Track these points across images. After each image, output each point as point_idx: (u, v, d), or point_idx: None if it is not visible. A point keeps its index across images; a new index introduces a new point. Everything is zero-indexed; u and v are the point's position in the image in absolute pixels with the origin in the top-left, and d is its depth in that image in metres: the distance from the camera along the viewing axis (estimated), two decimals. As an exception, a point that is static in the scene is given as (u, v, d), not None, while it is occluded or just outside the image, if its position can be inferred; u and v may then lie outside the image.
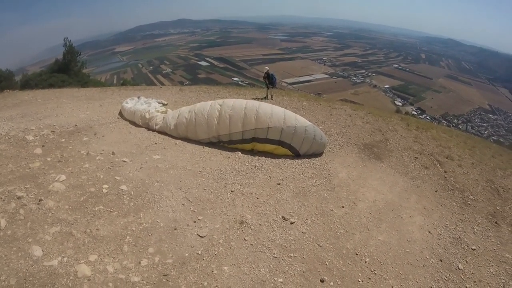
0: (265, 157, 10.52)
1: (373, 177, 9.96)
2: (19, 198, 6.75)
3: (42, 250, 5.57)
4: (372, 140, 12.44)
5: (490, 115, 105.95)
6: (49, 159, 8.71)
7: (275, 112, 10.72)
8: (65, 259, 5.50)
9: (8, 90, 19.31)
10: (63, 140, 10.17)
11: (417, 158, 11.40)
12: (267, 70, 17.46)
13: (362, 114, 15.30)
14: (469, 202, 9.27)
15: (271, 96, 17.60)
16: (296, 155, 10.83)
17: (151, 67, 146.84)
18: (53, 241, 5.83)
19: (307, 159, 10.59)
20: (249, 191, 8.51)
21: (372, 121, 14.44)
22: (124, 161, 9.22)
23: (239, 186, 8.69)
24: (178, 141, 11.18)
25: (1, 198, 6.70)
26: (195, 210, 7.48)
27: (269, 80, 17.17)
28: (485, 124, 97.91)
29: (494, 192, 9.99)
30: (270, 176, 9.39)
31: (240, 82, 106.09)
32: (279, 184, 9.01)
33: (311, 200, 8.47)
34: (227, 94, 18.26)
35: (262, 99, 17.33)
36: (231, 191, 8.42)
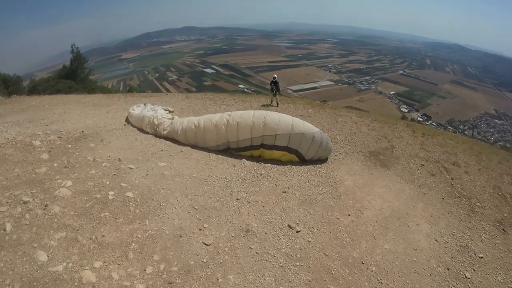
0: (271, 164, 10.49)
1: (379, 185, 9.91)
2: (25, 203, 6.77)
3: (47, 256, 5.56)
4: (378, 147, 12.39)
5: (496, 120, 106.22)
6: (55, 164, 8.72)
7: (283, 120, 10.73)
8: (70, 265, 5.49)
9: (15, 95, 19.44)
10: (70, 146, 10.20)
11: (423, 165, 11.33)
12: (275, 78, 17.46)
13: (367, 121, 15.26)
14: (476, 209, 9.20)
15: (277, 103, 17.61)
16: (302, 160, 10.83)
17: (157, 74, 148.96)
18: (58, 246, 5.82)
19: (312, 167, 10.56)
20: (254, 199, 8.48)
21: (377, 128, 14.39)
22: (130, 168, 9.21)
23: (245, 194, 8.66)
24: (184, 148, 11.17)
25: (8, 202, 6.71)
26: (201, 218, 7.45)
27: (276, 87, 17.18)
28: (491, 130, 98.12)
29: (502, 198, 9.93)
30: (276, 184, 9.35)
31: (245, 89, 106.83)
32: (285, 192, 8.97)
33: (317, 208, 8.42)
34: (233, 101, 18.25)
35: (268, 106, 17.47)
36: (237, 199, 8.39)
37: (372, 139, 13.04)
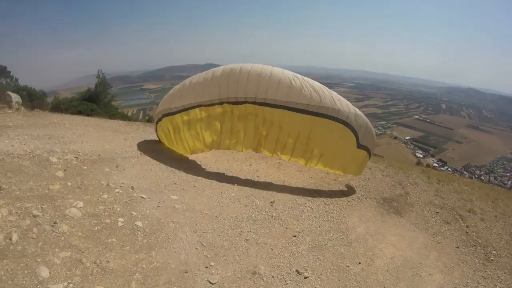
0: (282, 207, 10.25)
1: (392, 233, 9.59)
2: (34, 216, 6.69)
3: (49, 272, 5.40)
4: (392, 194, 12.14)
5: None
6: (69, 183, 8.70)
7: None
8: (71, 285, 5.31)
9: (38, 110, 19.93)
10: (85, 167, 10.22)
11: (438, 213, 11.01)
12: None
13: (382, 167, 15.13)
14: (491, 258, 8.80)
15: None
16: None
17: None
18: (61, 265, 5.66)
19: (325, 212, 10.28)
20: (264, 241, 8.24)
21: (392, 174, 14.22)
22: (142, 197, 9.14)
23: (255, 235, 8.43)
24: (197, 184, 11.08)
25: (17, 213, 6.64)
26: (208, 256, 7.24)
27: None
28: (508, 174, 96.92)
29: None
30: (286, 228, 9.11)
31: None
32: (295, 236, 8.72)
33: (327, 254, 8.12)
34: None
35: None
36: (246, 239, 8.17)
37: (386, 185, 12.83)
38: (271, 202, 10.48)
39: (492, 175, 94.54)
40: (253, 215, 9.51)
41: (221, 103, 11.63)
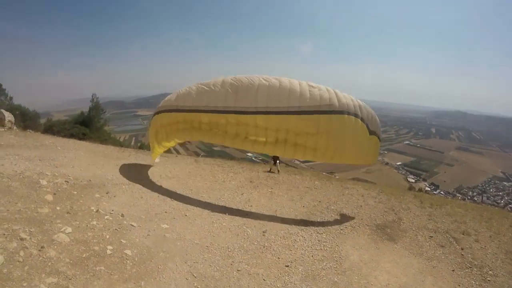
0: (274, 237, 10.12)
1: (386, 260, 9.43)
2: (22, 239, 6.53)
3: (35, 299, 5.20)
4: (384, 220, 12.13)
5: (505, 183, 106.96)
6: (58, 208, 8.56)
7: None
8: (57, 314, 5.12)
9: (30, 130, 19.85)
10: (75, 192, 10.10)
11: (432, 237, 10.97)
12: None
13: (374, 194, 15.25)
14: (488, 278, 8.71)
15: (278, 170, 18.56)
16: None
17: None
18: (47, 292, 5.46)
19: (317, 241, 10.15)
20: (256, 272, 8.03)
21: (384, 201, 14.31)
22: (132, 225, 8.99)
23: (246, 266, 8.23)
24: (188, 213, 10.97)
25: (4, 234, 6.49)
26: (199, 287, 7.03)
27: (277, 157, 18.27)
28: (500, 193, 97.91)
29: None
30: (278, 257, 8.92)
31: (253, 158, 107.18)
32: (287, 266, 8.53)
33: (321, 284, 7.92)
34: (241, 169, 18.67)
35: (269, 171, 18.48)
36: (238, 270, 7.97)
37: (379, 212, 12.86)
38: (263, 232, 10.36)
39: (485, 195, 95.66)
40: (244, 245, 9.34)
41: (226, 113, 11.49)
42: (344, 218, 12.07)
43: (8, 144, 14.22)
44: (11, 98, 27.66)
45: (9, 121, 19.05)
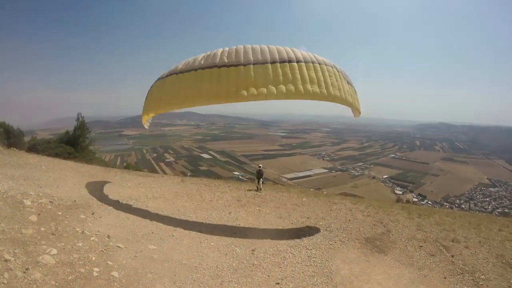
0: (264, 255, 10.05)
1: (377, 272, 9.45)
2: (6, 261, 6.36)
3: (20, 324, 5.04)
4: (373, 233, 12.23)
5: (491, 189, 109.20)
6: (43, 229, 8.37)
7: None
8: None
9: (14, 148, 19.53)
10: (60, 213, 9.91)
11: (421, 246, 11.08)
12: (261, 167, 19.28)
13: (362, 208, 15.42)
14: (480, 283, 8.82)
15: (260, 188, 18.78)
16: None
17: (155, 154, 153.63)
18: (33, 316, 5.31)
19: (307, 257, 10.13)
20: (246, 291, 7.96)
21: (372, 214, 14.46)
22: (119, 247, 8.82)
23: (236, 285, 8.14)
24: (175, 233, 10.85)
25: (-12, 256, 6.29)
26: (188, 308, 6.94)
27: (261, 175, 18.73)
28: (487, 199, 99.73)
29: (506, 266, 9.69)
30: (268, 275, 8.85)
31: (240, 177, 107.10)
32: (278, 283, 8.46)
33: (312, 301, 7.90)
34: (228, 188, 18.67)
35: (255, 190, 18.59)
36: (227, 290, 7.89)
37: (368, 225, 12.97)
38: (252, 250, 10.29)
39: (472, 202, 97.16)
40: (234, 264, 9.26)
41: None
42: (333, 234, 12.10)
43: (-9, 162, 13.99)
44: None
45: (-7, 138, 18.79)
